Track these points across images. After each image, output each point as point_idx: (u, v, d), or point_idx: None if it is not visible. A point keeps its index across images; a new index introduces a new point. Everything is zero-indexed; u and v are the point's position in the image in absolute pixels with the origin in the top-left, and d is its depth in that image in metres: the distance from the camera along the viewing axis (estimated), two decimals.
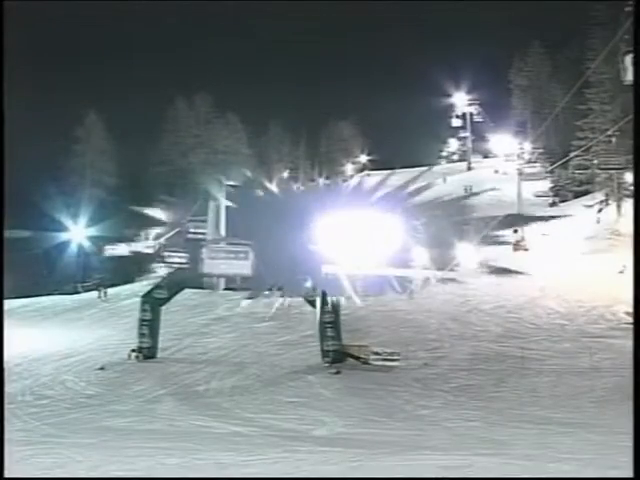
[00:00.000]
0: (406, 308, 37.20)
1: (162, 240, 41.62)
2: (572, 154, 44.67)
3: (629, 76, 20.23)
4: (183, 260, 37.89)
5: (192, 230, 35.63)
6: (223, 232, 33.34)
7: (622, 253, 35.31)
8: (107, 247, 50.25)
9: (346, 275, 30.99)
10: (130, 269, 52.06)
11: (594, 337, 31.81)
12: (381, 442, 17.08)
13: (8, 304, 33.76)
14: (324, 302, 30.89)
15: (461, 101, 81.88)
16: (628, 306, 29.20)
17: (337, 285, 30.98)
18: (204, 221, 34.94)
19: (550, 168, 53.36)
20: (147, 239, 46.24)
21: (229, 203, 33.29)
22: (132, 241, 48.37)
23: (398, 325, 35.58)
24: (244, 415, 21.73)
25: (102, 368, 30.03)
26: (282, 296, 33.81)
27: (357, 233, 30.59)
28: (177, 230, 37.57)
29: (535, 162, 62.14)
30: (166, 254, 39.59)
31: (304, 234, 30.89)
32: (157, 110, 66.37)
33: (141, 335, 32.40)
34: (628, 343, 20.33)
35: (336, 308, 31.40)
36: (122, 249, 49.07)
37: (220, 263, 31.88)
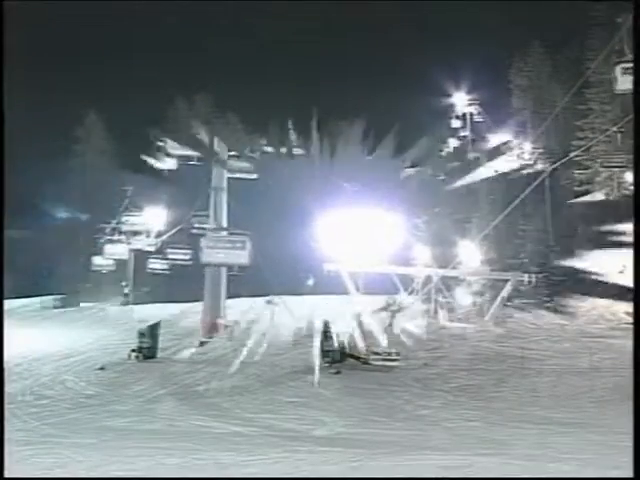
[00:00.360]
0: None
1: (164, 237, 41.64)
2: (572, 154, 44.61)
3: (619, 85, 20.51)
4: (186, 256, 38.03)
5: (196, 225, 35.78)
6: (225, 224, 33.49)
7: (622, 253, 35.28)
8: (107, 247, 49.91)
9: (348, 273, 31.02)
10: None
11: (594, 337, 31.84)
12: (381, 442, 17.09)
13: (8, 304, 33.78)
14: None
15: (461, 101, 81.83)
16: (628, 306, 29.22)
17: (339, 283, 31.02)
18: (207, 216, 35.11)
19: (550, 168, 53.28)
20: (148, 236, 46.05)
21: (230, 196, 33.51)
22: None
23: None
24: (244, 415, 21.71)
25: (102, 368, 30.04)
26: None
27: (359, 231, 30.64)
28: (179, 227, 37.67)
29: (535, 162, 62.05)
30: (168, 251, 39.68)
31: (306, 230, 30.98)
32: (157, 110, 66.25)
33: (141, 335, 32.41)
34: (628, 343, 20.36)
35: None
36: (122, 249, 48.71)
37: (218, 252, 32.04)
